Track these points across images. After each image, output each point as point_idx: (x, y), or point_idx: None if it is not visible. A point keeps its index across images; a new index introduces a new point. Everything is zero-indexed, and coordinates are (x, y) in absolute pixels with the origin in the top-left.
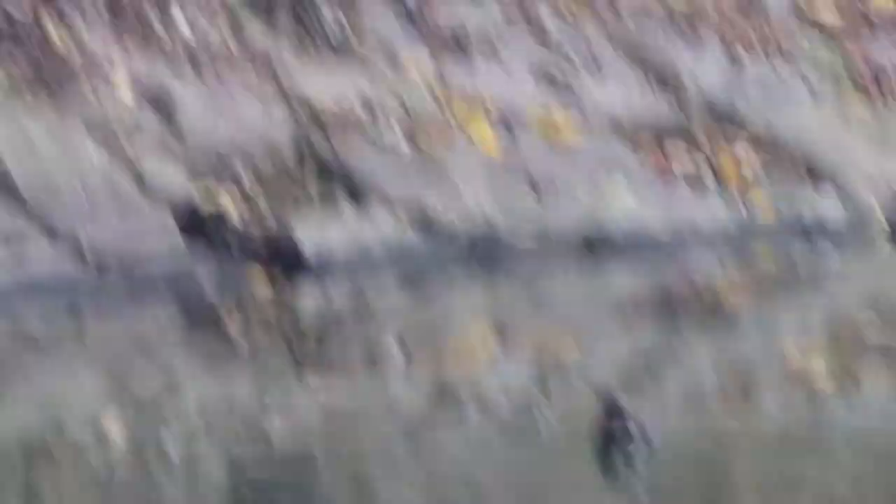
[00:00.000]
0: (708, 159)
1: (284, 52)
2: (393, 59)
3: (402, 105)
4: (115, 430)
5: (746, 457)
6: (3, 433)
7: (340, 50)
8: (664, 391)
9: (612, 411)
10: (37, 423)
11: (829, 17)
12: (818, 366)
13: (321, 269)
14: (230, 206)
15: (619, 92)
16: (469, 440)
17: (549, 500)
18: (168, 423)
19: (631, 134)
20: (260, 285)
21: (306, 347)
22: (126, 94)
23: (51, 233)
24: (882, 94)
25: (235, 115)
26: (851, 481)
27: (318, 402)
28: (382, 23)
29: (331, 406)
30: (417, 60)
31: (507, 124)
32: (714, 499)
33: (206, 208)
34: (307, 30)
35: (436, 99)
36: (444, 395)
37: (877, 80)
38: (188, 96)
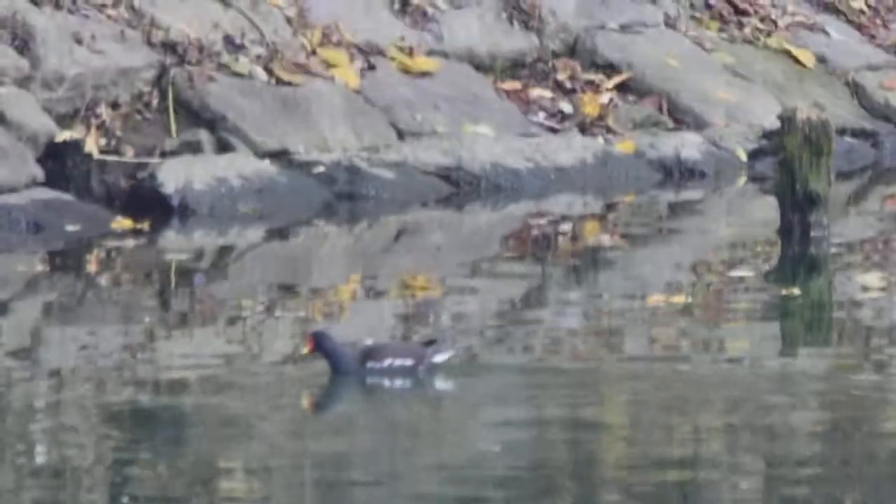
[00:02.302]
0: (567, 94)
1: None
2: None
3: (262, 37)
4: None
5: None
6: None
7: None
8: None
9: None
10: None
11: None
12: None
13: (184, 209)
14: (89, 139)
15: (478, 25)
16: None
17: None
18: (22, 371)
19: (489, 66)
20: (121, 224)
21: (169, 288)
22: None
23: None
24: (740, 24)
25: (94, 46)
26: None
27: (184, 349)
28: None
29: (194, 352)
30: None
31: (366, 56)
32: None
33: (64, 140)
34: None
35: (295, 31)
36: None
37: (734, 8)
38: (45, 25)
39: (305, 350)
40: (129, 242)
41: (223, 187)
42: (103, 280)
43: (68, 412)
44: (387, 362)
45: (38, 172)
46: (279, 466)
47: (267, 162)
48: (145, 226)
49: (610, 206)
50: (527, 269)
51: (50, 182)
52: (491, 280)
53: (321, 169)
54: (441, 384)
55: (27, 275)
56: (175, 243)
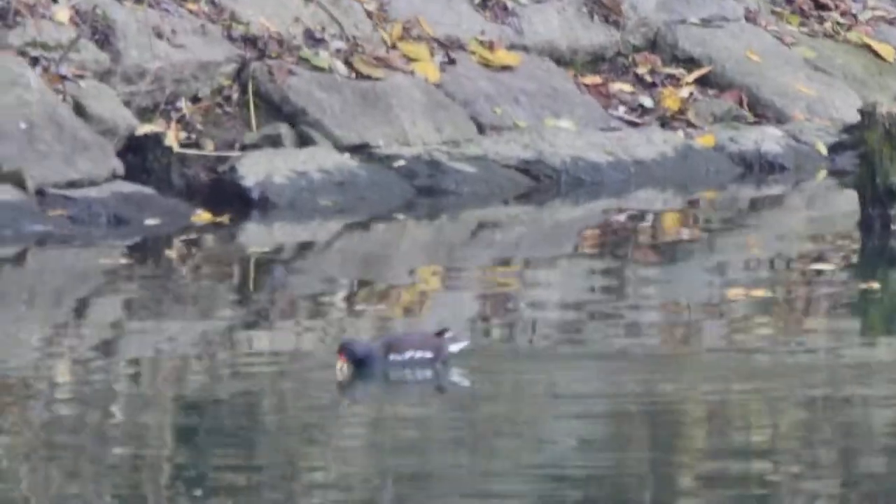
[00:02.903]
0: (647, 88)
1: None
2: None
3: (342, 31)
4: (56, 368)
5: None
6: None
7: None
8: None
9: None
10: None
11: None
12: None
13: (264, 202)
14: (170, 132)
15: (558, 19)
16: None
17: None
18: (114, 357)
19: (569, 61)
20: (201, 218)
21: (250, 282)
22: (63, 17)
23: None
24: (821, 19)
25: (175, 40)
26: None
27: (262, 342)
28: None
29: (272, 346)
30: None
31: (447, 50)
32: None
33: (144, 134)
34: None
35: (375, 25)
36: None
37: (814, 2)
38: (126, 19)
39: (341, 367)
40: (209, 236)
41: (303, 181)
42: (183, 273)
43: (147, 404)
44: (408, 354)
45: (119, 166)
46: (359, 456)
47: (347, 156)
48: (225, 219)
49: (690, 201)
50: (606, 263)
51: (130, 176)
52: (570, 274)
53: (401, 163)
54: (518, 373)
55: (108, 268)
56: (255, 236)
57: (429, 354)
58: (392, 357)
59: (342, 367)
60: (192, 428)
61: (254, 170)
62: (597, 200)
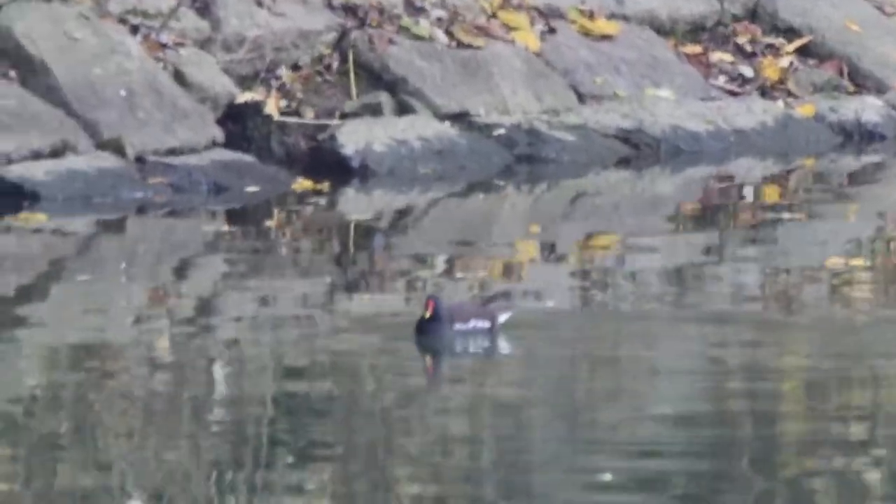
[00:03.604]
0: (747, 57)
1: None
2: None
3: (443, 0)
4: (158, 335)
5: None
6: (50, 336)
7: None
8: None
9: None
10: (82, 325)
11: None
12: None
13: (363, 170)
14: (270, 100)
15: None
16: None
17: None
18: (206, 331)
19: (669, 30)
20: (302, 186)
21: (349, 248)
22: None
23: (92, 128)
24: None
25: (275, 8)
26: None
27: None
28: None
29: (373, 312)
30: None
31: (547, 19)
32: None
33: (244, 102)
34: None
35: None
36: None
37: None
38: None
39: (427, 314)
40: (310, 203)
41: (403, 149)
42: (285, 241)
43: (247, 372)
44: (471, 324)
45: (219, 134)
46: (464, 422)
47: (447, 124)
48: (325, 187)
49: (790, 170)
50: (706, 231)
51: (230, 143)
52: (670, 242)
53: (501, 132)
54: (618, 342)
55: (211, 234)
56: (355, 204)
57: (487, 324)
58: (458, 326)
59: (428, 316)
60: (291, 394)
61: (353, 138)
62: (696, 168)
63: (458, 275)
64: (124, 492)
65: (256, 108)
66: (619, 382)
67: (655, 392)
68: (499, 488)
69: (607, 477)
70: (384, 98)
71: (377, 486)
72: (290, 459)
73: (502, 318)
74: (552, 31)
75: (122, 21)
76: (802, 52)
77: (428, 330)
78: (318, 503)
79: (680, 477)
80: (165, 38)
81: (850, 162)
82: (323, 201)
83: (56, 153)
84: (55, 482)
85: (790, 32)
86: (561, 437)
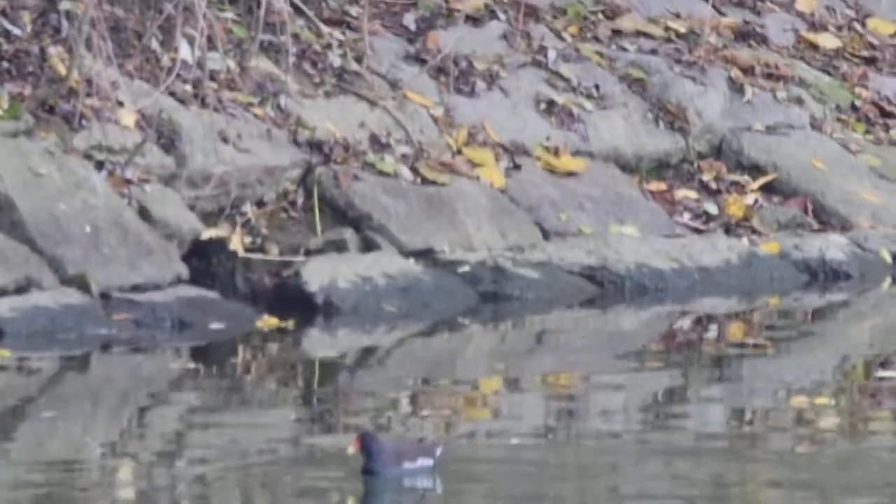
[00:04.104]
0: (712, 194)
1: (289, 83)
2: (397, 91)
3: (408, 136)
4: (125, 472)
5: None
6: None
7: (345, 81)
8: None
9: None
10: (47, 461)
11: (830, 42)
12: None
13: (328, 307)
14: (234, 237)
15: (623, 126)
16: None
17: None
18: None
19: (634, 167)
20: (267, 323)
21: (313, 386)
22: (129, 121)
23: (57, 264)
24: (887, 127)
25: (240, 144)
26: None
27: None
28: (386, 56)
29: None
30: (421, 92)
31: (512, 156)
32: None
33: (209, 238)
34: (313, 63)
35: (441, 131)
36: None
37: (880, 111)
38: (192, 124)
39: (351, 449)
40: (274, 341)
41: (368, 286)
42: (249, 378)
43: None
44: (419, 462)
45: (184, 270)
46: None
47: (412, 261)
48: (290, 324)
49: (754, 309)
50: (670, 369)
51: (195, 280)
52: (633, 379)
53: (466, 269)
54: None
55: (176, 372)
56: (320, 342)
57: (430, 462)
58: (406, 465)
59: (350, 450)
60: None
61: (318, 275)
62: (661, 306)
63: (423, 413)
64: None
65: (221, 244)
66: None
67: None
68: None
69: None
70: (349, 234)
71: None
72: None
73: (439, 452)
74: (517, 167)
75: (88, 157)
76: (767, 189)
77: (375, 463)
78: None
79: None
80: (131, 174)
81: (814, 300)
82: (288, 339)
83: (20, 289)
84: None
85: (755, 170)
86: None
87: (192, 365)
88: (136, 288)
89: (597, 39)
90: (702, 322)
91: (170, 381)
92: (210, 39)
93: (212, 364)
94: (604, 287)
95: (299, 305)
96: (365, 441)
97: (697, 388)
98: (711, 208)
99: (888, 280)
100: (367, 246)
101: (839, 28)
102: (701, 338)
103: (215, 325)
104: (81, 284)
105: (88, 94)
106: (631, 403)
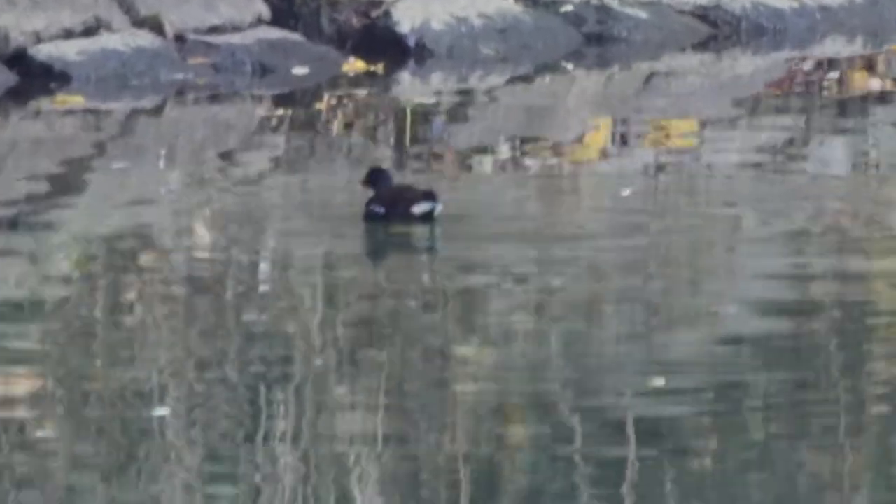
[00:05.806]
0: None
1: None
2: None
3: None
4: (198, 228)
5: None
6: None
7: None
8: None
9: None
10: (124, 220)
11: None
12: None
13: (420, 50)
14: None
15: None
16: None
17: None
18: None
19: None
20: (353, 67)
21: (403, 137)
22: None
23: (128, 5)
24: None
25: None
26: None
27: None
28: None
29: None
30: None
31: None
32: None
33: None
34: None
35: None
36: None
37: None
38: None
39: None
40: (362, 86)
41: (463, 27)
42: (335, 127)
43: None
44: (430, 206)
45: (265, 10)
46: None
47: (511, 1)
48: (379, 68)
49: (879, 50)
50: (789, 117)
51: (276, 21)
52: (747, 131)
53: (569, 7)
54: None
55: (257, 120)
56: (411, 87)
57: (440, 206)
58: (415, 209)
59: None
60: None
61: (410, 15)
62: (779, 50)
63: (523, 164)
64: (159, 386)
65: None
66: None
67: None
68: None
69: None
70: None
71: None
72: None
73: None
74: None
75: None
76: None
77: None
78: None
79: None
80: None
81: None
82: (376, 84)
83: (89, 31)
84: (88, 374)
85: None
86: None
87: (275, 112)
88: (213, 29)
89: None
90: (823, 67)
91: (250, 130)
92: None
93: (296, 111)
94: (718, 28)
95: (389, 48)
96: (373, 176)
97: (815, 140)
98: None
99: None
100: None
101: None
102: (821, 84)
103: (299, 70)
104: (154, 25)
105: None
106: (744, 159)
